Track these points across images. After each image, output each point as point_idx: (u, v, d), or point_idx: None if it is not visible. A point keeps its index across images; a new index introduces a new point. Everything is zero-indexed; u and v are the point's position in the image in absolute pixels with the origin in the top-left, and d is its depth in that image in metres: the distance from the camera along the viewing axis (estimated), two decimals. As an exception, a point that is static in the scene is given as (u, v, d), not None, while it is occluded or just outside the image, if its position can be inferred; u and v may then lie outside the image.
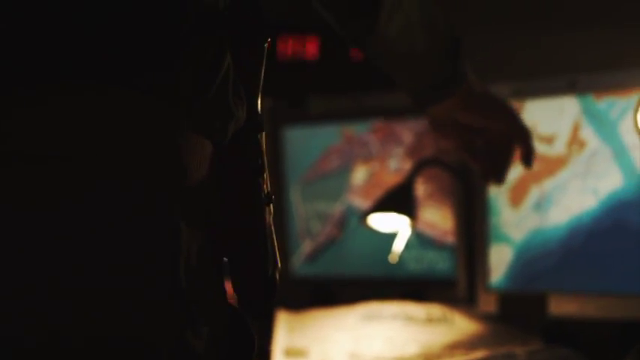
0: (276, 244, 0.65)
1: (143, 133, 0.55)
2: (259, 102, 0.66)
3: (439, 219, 1.45)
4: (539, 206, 1.29)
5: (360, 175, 1.53)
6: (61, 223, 0.52)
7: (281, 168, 1.58)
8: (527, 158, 1.02)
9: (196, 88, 0.58)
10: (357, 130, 1.53)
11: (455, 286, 1.42)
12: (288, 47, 1.51)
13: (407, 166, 1.45)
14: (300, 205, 1.58)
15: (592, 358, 1.16)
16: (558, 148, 1.27)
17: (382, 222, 1.35)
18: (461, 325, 1.32)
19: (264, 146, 0.66)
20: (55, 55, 0.52)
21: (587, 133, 1.25)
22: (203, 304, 0.58)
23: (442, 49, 0.94)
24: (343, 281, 1.54)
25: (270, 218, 0.65)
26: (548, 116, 1.28)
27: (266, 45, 0.64)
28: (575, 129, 1.26)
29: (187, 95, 0.57)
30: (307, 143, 1.57)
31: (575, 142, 1.26)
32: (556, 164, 1.28)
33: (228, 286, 0.63)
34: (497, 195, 1.32)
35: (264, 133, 0.66)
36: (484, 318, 1.33)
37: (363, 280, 1.51)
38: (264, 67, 0.65)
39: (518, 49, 1.43)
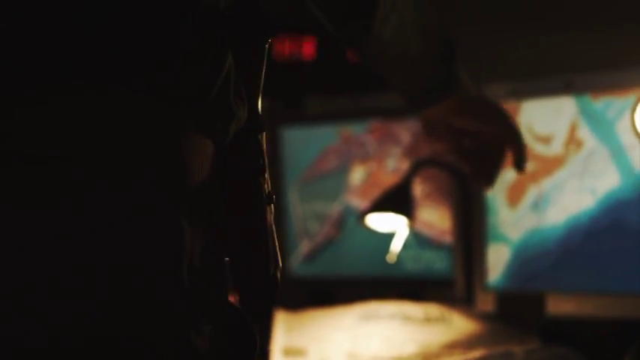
0: (277, 243, 0.65)
1: (143, 132, 0.55)
2: (260, 102, 0.66)
3: (437, 219, 1.45)
4: (537, 206, 1.29)
5: (357, 175, 1.53)
6: (61, 223, 0.52)
7: (279, 168, 1.58)
8: (520, 163, 1.02)
9: (198, 89, 0.58)
10: (355, 130, 1.53)
11: (453, 286, 1.42)
12: (285, 48, 1.51)
13: (404, 166, 1.45)
14: (297, 206, 1.58)
15: (590, 357, 1.16)
16: (555, 148, 1.28)
17: (380, 222, 1.35)
18: (459, 325, 1.32)
19: (264, 146, 0.66)
20: (55, 55, 0.52)
21: (585, 133, 1.25)
22: (206, 303, 0.58)
23: (437, 52, 0.94)
24: (341, 281, 1.54)
25: (271, 218, 0.65)
26: (545, 116, 1.28)
27: (267, 45, 0.65)
28: (573, 129, 1.26)
29: (188, 95, 0.57)
30: (305, 143, 1.57)
31: (573, 141, 1.26)
32: (553, 164, 1.28)
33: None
34: (495, 195, 1.32)
35: (264, 133, 0.66)
36: (482, 317, 1.33)
37: (361, 280, 1.51)
38: (264, 68, 0.65)
39: (514, 50, 1.43)
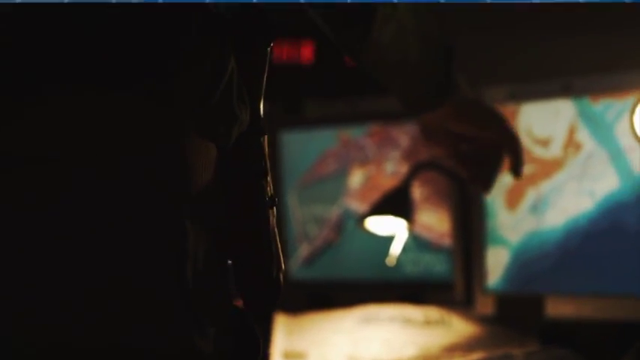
0: (279, 246, 0.65)
1: (144, 133, 0.55)
2: (261, 106, 0.66)
3: (436, 222, 1.45)
4: (536, 209, 1.30)
5: (356, 178, 1.53)
6: (61, 224, 0.52)
7: (278, 172, 1.58)
8: (517, 168, 1.02)
9: (200, 92, 0.58)
10: (354, 133, 1.53)
11: (452, 289, 1.42)
12: (283, 52, 1.51)
13: (403, 169, 1.45)
14: (297, 209, 1.58)
15: (589, 359, 1.17)
16: (554, 150, 1.28)
17: (379, 225, 1.35)
18: (458, 328, 1.33)
19: (266, 149, 0.66)
20: (55, 57, 0.53)
21: (583, 136, 1.26)
22: (209, 306, 0.58)
23: (435, 58, 0.94)
24: (341, 284, 1.54)
25: (273, 220, 0.65)
26: (543, 119, 1.28)
27: (269, 48, 0.65)
28: (571, 131, 1.27)
29: (190, 99, 0.57)
30: (304, 147, 1.57)
31: (571, 144, 1.27)
32: (552, 167, 1.28)
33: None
34: (494, 197, 1.33)
35: (266, 137, 0.67)
36: (481, 320, 1.33)
37: (361, 283, 1.51)
38: (266, 71, 0.65)
39: (513, 53, 1.44)
